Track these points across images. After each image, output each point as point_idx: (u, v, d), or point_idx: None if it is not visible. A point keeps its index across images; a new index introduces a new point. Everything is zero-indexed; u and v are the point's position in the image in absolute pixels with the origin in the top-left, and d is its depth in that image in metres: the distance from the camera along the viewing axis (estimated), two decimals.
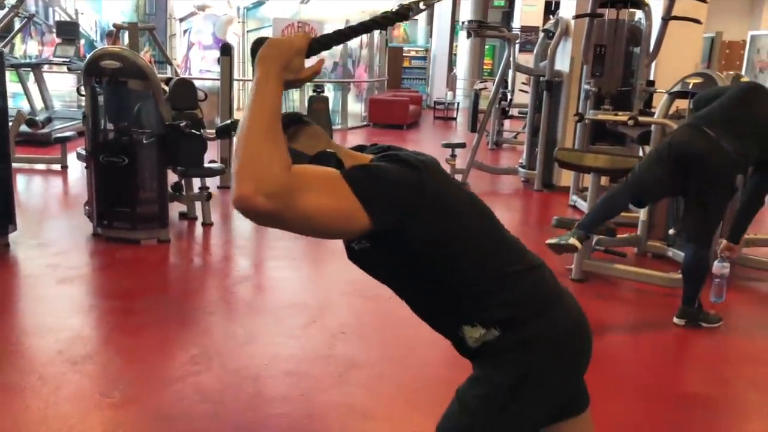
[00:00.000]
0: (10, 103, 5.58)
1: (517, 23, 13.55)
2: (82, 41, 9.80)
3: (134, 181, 4.37)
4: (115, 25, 7.88)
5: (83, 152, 4.72)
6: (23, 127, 6.43)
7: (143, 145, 4.32)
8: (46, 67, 8.98)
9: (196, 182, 5.03)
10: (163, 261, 4.29)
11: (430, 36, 16.91)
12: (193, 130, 4.53)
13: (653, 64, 5.86)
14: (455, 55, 16.68)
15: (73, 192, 6.04)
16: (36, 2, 9.90)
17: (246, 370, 2.77)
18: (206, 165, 4.97)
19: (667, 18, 5.25)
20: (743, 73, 9.36)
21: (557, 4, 10.05)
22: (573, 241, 3.52)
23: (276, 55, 1.14)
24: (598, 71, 5.68)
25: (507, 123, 10.53)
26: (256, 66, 1.15)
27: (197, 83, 5.30)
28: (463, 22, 7.76)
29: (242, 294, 3.79)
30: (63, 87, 10.03)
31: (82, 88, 4.60)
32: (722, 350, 3.31)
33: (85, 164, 4.73)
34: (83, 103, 8.56)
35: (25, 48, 10.05)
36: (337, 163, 1.23)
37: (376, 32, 10.12)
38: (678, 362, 3.28)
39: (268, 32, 9.89)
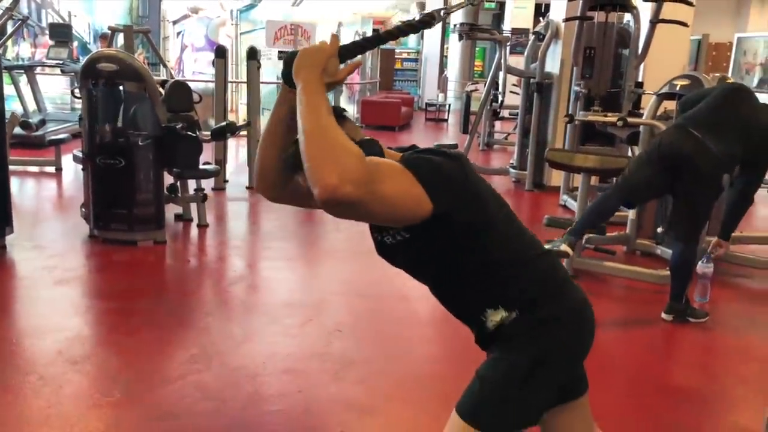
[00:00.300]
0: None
1: (507, 25, 13.63)
2: (75, 43, 9.79)
3: (131, 183, 4.39)
4: (110, 28, 7.88)
5: (80, 154, 4.74)
6: (17, 130, 6.43)
7: (140, 147, 4.34)
8: (38, 69, 8.98)
9: (192, 184, 5.06)
10: (159, 262, 4.32)
11: (422, 38, 16.98)
12: (189, 132, 4.56)
13: (642, 66, 5.93)
14: (446, 57, 16.74)
15: (69, 194, 6.06)
16: (29, 4, 9.87)
17: (245, 368, 2.82)
18: (201, 167, 5.00)
19: (655, 21, 5.33)
20: (730, 74, 9.46)
21: (547, 7, 10.13)
22: (564, 247, 3.59)
23: (311, 64, 1.22)
24: (587, 73, 5.74)
25: (498, 124, 10.57)
26: (295, 77, 1.22)
27: (190, 85, 5.32)
28: (454, 25, 7.81)
29: (239, 294, 3.83)
30: (55, 89, 10.01)
31: (77, 90, 4.62)
32: (709, 345, 3.39)
33: (81, 166, 4.76)
34: (76, 106, 8.60)
35: (18, 50, 10.02)
36: (380, 151, 1.29)
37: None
38: (666, 356, 3.36)
39: (260, 34, 9.91)
